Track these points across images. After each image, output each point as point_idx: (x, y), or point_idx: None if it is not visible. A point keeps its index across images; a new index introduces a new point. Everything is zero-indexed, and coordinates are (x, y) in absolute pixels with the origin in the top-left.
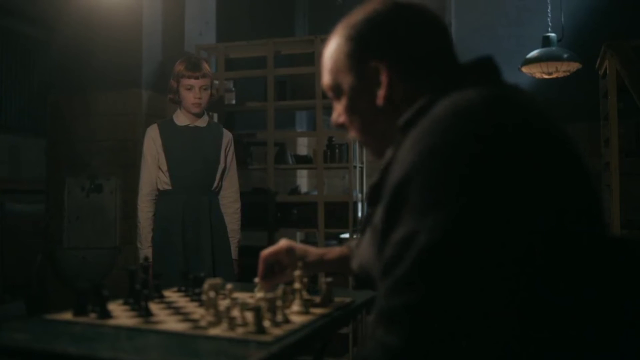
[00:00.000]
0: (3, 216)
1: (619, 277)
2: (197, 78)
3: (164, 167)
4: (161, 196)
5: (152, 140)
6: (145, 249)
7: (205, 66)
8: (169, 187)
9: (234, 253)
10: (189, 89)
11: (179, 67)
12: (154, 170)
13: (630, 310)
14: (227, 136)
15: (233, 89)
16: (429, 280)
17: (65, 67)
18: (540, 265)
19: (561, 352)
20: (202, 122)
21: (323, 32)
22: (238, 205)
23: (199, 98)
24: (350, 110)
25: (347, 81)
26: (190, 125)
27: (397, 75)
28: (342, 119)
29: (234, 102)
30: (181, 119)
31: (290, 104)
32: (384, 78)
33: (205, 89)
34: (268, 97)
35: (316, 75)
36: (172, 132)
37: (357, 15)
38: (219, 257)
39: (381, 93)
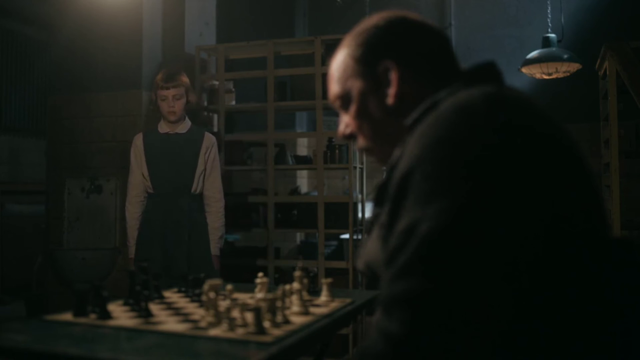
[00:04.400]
0: (3, 217)
1: (619, 278)
2: (168, 89)
3: (146, 173)
4: (148, 198)
5: (136, 148)
6: (132, 246)
7: (181, 77)
8: (152, 191)
9: (214, 249)
10: (163, 100)
11: (157, 79)
12: (138, 176)
13: (630, 310)
14: (208, 140)
15: (233, 89)
16: (430, 268)
17: (65, 68)
18: (539, 262)
19: (561, 350)
20: (183, 129)
21: (323, 32)
22: (220, 204)
23: (172, 107)
24: (360, 115)
25: (357, 86)
26: (170, 133)
27: (406, 74)
28: (349, 129)
29: (234, 102)
30: (163, 127)
31: (291, 104)
32: (394, 76)
33: (178, 98)
34: (268, 97)
35: (316, 76)
36: (153, 140)
37: (362, 26)
38: (196, 254)
39: (392, 91)
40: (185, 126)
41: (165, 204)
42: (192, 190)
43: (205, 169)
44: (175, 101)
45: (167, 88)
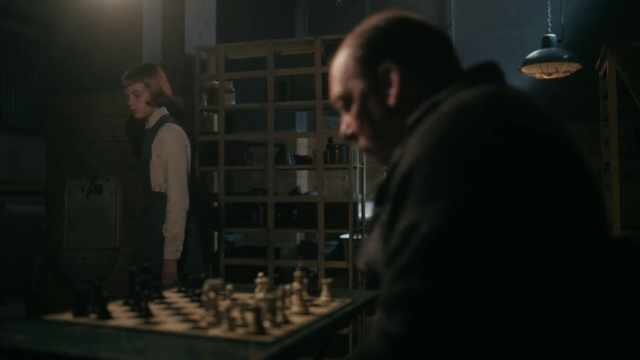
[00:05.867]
0: (3, 217)
1: (619, 278)
2: (126, 87)
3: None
4: None
5: None
6: None
7: (137, 73)
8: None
9: (165, 252)
10: (128, 98)
11: None
12: None
13: (630, 310)
14: (161, 133)
15: (233, 89)
16: (431, 268)
17: (66, 68)
18: (539, 262)
19: (561, 350)
20: (150, 125)
21: (323, 32)
22: (171, 202)
23: (130, 105)
24: (361, 115)
25: (358, 86)
26: (146, 129)
27: (407, 74)
28: (351, 129)
29: (234, 102)
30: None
31: (291, 104)
32: (394, 77)
33: (137, 95)
34: (268, 97)
35: (316, 76)
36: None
37: (363, 26)
38: (160, 255)
39: (393, 92)
40: (152, 122)
41: (145, 202)
42: (153, 188)
43: (156, 165)
44: (135, 98)
45: (124, 87)
